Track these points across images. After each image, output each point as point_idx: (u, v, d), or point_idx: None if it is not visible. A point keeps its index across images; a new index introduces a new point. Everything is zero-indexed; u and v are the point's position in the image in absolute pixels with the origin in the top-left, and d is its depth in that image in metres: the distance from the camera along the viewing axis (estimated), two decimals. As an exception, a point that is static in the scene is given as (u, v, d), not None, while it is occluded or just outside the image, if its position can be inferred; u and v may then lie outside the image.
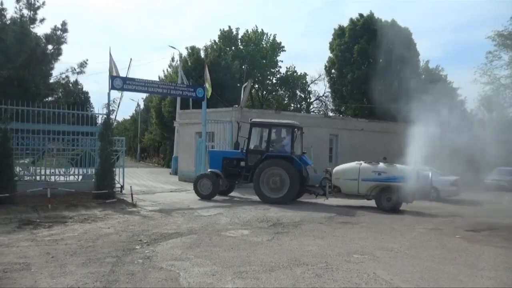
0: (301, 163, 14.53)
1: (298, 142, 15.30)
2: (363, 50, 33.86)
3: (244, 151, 14.91)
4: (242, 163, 15.05)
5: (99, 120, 15.47)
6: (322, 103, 47.12)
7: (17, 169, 12.74)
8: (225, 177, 15.17)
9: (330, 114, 38.99)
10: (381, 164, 13.87)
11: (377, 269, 6.48)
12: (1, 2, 15.00)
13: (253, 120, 15.60)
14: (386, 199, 13.57)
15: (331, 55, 37.59)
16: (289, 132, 14.78)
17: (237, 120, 16.53)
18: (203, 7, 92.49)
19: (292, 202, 14.30)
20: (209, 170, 15.46)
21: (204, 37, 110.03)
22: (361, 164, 14.08)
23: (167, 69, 40.29)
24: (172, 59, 39.70)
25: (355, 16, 35.81)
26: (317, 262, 6.78)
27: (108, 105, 14.94)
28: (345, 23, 36.36)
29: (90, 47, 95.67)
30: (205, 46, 38.33)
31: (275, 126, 15.15)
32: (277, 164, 14.20)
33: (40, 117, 13.16)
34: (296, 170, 14.17)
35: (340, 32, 36.42)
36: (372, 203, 13.98)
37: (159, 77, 40.36)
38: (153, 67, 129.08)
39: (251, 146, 14.98)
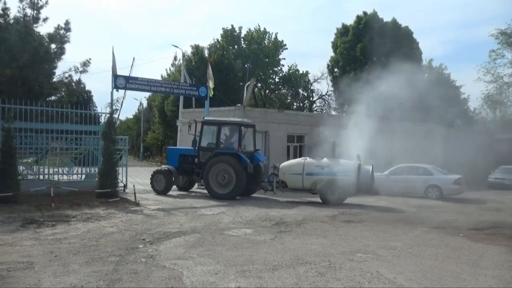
0: (247, 159, 14.73)
1: (250, 140, 15.75)
2: (366, 49, 33.78)
3: (196, 148, 15.21)
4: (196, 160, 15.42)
5: (102, 119, 15.51)
6: (325, 102, 47.10)
7: (21, 168, 12.75)
8: (181, 173, 15.77)
9: (333, 112, 38.87)
10: (325, 159, 14.18)
11: (380, 267, 6.48)
12: (4, 1, 15.07)
13: (205, 118, 16.04)
14: (330, 192, 13.81)
15: (333, 54, 37.48)
16: (237, 130, 15.10)
17: (194, 119, 16.85)
18: (204, 6, 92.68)
19: (246, 198, 14.79)
20: (163, 166, 15.95)
21: (205, 36, 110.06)
22: (306, 159, 14.56)
23: (169, 68, 40.40)
24: (175, 58, 39.82)
25: (359, 13, 35.79)
26: (320, 261, 6.77)
27: (111, 104, 15.00)
28: (346, 21, 36.47)
29: (91, 46, 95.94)
30: (209, 45, 38.38)
31: (224, 124, 15.56)
32: (224, 160, 14.57)
33: (43, 116, 13.21)
34: (242, 167, 14.47)
35: (343, 31, 36.34)
36: (378, 201, 13.96)
37: (161, 76, 40.48)
38: (155, 66, 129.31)
39: (205, 144, 15.32)
